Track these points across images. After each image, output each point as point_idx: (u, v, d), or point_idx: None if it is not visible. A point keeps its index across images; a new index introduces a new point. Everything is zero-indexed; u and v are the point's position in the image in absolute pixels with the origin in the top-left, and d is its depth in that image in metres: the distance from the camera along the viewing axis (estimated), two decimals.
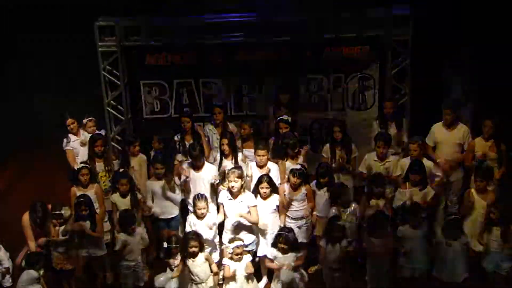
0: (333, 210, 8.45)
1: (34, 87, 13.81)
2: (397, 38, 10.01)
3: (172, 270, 8.14)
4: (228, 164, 9.02)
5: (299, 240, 8.67)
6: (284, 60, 10.37)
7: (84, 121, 9.87)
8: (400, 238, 8.20)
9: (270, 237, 8.35)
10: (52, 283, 8.50)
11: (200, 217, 8.39)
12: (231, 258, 8.05)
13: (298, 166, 8.68)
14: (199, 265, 7.92)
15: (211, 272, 8.04)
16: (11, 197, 11.05)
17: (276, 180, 8.80)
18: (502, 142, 8.98)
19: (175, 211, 9.02)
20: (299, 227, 8.72)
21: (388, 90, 10.29)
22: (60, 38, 13.59)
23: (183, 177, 8.72)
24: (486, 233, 8.15)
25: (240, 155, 9.33)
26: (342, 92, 10.50)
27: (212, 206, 8.76)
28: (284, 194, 8.65)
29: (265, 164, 8.94)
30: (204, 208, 8.39)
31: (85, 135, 9.79)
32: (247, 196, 8.45)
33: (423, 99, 10.75)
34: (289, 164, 8.95)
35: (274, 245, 8.11)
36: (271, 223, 8.53)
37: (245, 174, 8.68)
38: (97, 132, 9.63)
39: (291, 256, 8.01)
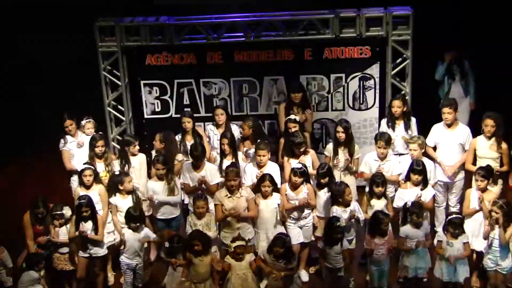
0: (334, 210, 8.45)
1: (34, 87, 13.85)
2: (397, 38, 10.00)
3: (174, 270, 8.14)
4: (228, 164, 9.03)
5: (301, 240, 8.73)
6: (284, 60, 10.37)
7: (83, 122, 9.78)
8: (401, 237, 8.20)
9: (272, 236, 8.34)
10: (52, 283, 8.51)
11: (199, 217, 8.44)
12: (232, 257, 8.06)
13: (299, 165, 8.68)
14: (201, 264, 7.94)
15: (214, 271, 8.06)
16: (11, 197, 11.04)
17: (277, 179, 8.82)
18: (504, 141, 8.97)
19: (175, 211, 9.02)
20: (300, 227, 8.74)
21: (388, 90, 10.30)
22: (60, 38, 13.63)
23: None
24: (487, 232, 8.15)
25: (240, 154, 9.36)
26: (343, 92, 10.51)
27: (212, 206, 8.76)
28: (286, 194, 8.66)
29: (265, 164, 8.97)
30: (203, 208, 8.43)
31: (82, 137, 9.74)
32: (244, 191, 8.53)
33: (423, 99, 10.77)
34: (295, 164, 8.94)
35: (269, 249, 8.08)
36: (272, 222, 8.54)
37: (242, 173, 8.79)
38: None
39: (282, 265, 7.99)
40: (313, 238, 8.87)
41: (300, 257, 8.84)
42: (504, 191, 9.01)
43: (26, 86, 13.96)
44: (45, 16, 13.31)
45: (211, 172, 8.99)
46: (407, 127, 9.45)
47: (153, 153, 9.61)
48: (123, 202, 8.74)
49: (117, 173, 8.99)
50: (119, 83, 10.55)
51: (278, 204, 8.59)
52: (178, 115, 10.08)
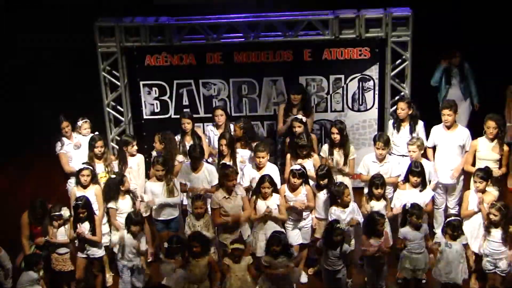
0: (332, 211, 8.45)
1: (34, 87, 13.86)
2: (397, 40, 9.99)
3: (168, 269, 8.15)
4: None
5: (300, 242, 8.72)
6: (283, 61, 10.37)
7: (79, 123, 9.72)
8: (400, 239, 8.20)
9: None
10: (51, 284, 8.52)
11: (198, 217, 8.44)
12: (230, 259, 8.06)
13: (298, 167, 8.68)
14: (198, 266, 7.94)
15: (213, 273, 8.07)
16: (11, 197, 11.05)
17: (276, 180, 8.81)
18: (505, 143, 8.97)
19: (175, 212, 9.02)
20: (300, 229, 8.74)
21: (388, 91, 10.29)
22: (60, 38, 13.65)
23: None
24: (485, 234, 8.15)
25: (238, 155, 9.36)
26: (342, 93, 10.50)
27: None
28: (285, 195, 8.66)
29: (265, 166, 8.97)
30: (202, 208, 8.43)
31: (78, 138, 9.70)
32: (238, 190, 8.56)
33: (423, 100, 10.76)
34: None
35: (267, 250, 8.05)
36: (271, 223, 8.53)
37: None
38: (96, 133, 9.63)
39: (282, 262, 7.97)
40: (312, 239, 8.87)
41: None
42: (502, 193, 9.00)
43: (26, 86, 13.98)
44: (45, 16, 13.33)
45: (210, 173, 8.99)
46: (412, 130, 9.43)
47: (154, 153, 9.60)
48: (123, 203, 8.74)
49: (113, 176, 8.90)
50: (119, 83, 10.55)
51: (278, 205, 8.58)
52: (178, 116, 10.08)
